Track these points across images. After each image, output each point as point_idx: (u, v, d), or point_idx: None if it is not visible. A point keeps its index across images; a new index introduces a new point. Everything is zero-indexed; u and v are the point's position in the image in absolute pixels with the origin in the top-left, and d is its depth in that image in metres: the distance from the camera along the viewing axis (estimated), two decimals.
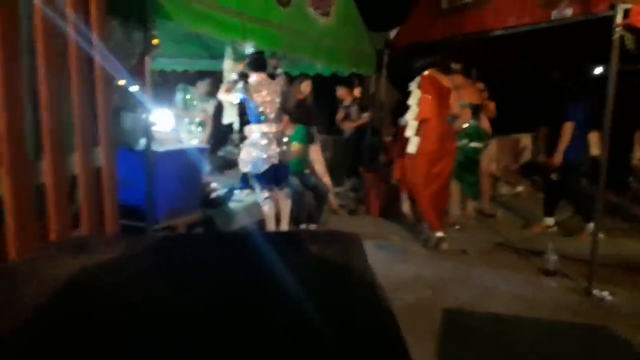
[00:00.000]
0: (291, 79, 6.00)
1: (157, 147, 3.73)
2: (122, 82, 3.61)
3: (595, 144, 8.43)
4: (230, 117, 5.34)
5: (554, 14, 3.85)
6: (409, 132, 4.50)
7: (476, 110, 5.20)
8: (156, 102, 5.14)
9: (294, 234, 1.28)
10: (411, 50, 5.15)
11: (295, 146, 5.05)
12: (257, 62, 4.30)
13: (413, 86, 4.47)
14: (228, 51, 4.86)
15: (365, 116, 6.37)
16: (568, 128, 4.81)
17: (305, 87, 5.51)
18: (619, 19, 3.28)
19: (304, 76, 5.62)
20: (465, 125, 5.02)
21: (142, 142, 3.50)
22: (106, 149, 2.16)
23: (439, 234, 4.55)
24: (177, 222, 3.90)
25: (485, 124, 5.60)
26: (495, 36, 4.64)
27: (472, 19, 4.82)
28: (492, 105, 5.71)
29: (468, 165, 5.19)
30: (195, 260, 1.07)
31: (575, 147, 4.88)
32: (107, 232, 2.23)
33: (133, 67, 3.45)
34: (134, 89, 3.59)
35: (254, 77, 4.31)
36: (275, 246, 1.08)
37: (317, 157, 5.62)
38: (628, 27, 3.28)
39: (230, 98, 4.53)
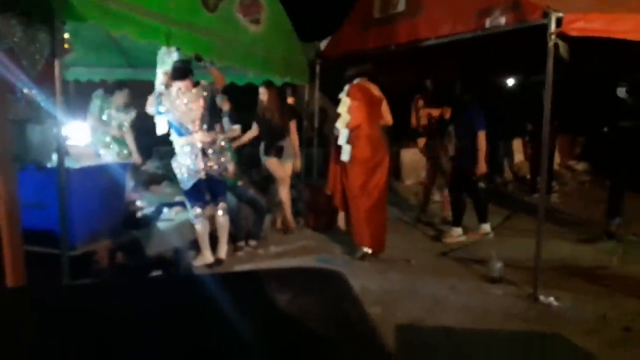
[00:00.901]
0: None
1: (72, 164, 3.31)
2: (27, 91, 3.17)
3: (519, 151, 8.89)
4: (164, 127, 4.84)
5: (488, 23, 3.87)
6: (341, 140, 4.41)
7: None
8: (70, 114, 4.64)
9: (267, 273, 1.05)
10: (343, 60, 5.06)
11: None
12: (178, 71, 3.99)
13: (342, 94, 4.42)
14: (160, 61, 4.42)
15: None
16: (483, 137, 4.97)
17: (263, 95, 5.13)
18: (552, 27, 3.33)
19: (264, 84, 5.21)
20: None
21: (54, 158, 3.07)
22: (2, 168, 1.78)
23: (366, 249, 4.43)
24: (98, 247, 3.50)
25: None
26: (429, 46, 4.62)
27: (405, 28, 4.79)
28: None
29: None
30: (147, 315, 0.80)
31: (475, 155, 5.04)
32: (7, 269, 1.83)
33: (40, 74, 3.02)
34: (41, 98, 3.15)
35: (170, 88, 3.99)
36: (242, 290, 0.84)
37: (284, 177, 5.22)
38: (561, 36, 3.34)
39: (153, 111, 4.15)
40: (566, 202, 7.12)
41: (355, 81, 4.42)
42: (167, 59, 4.06)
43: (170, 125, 4.06)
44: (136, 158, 5.49)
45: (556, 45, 3.31)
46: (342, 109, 4.37)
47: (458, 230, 5.14)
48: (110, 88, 5.59)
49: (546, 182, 7.12)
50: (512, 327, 3.12)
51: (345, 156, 4.38)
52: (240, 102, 5.87)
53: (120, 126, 5.49)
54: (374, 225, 4.42)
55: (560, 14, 3.31)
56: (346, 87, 4.42)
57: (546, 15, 3.36)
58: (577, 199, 7.33)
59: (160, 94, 4.02)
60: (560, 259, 4.34)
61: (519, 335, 3.06)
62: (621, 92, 4.93)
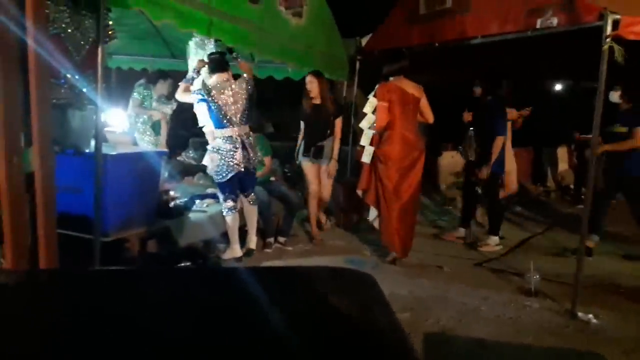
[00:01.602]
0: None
1: (109, 150, 3.36)
2: (69, 76, 3.21)
3: (563, 160, 8.55)
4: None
5: (539, 23, 3.70)
6: (363, 141, 4.27)
7: None
8: (111, 101, 4.71)
9: (296, 270, 1.02)
10: (384, 57, 4.91)
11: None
12: (217, 63, 3.99)
13: (370, 95, 4.27)
14: (192, 52, 4.41)
15: None
16: (499, 142, 4.76)
17: (310, 84, 4.70)
18: (608, 29, 3.14)
19: (312, 73, 4.81)
20: None
21: (92, 143, 3.11)
22: (41, 151, 1.79)
23: (396, 254, 4.32)
24: (130, 234, 3.53)
25: None
26: (475, 44, 4.47)
27: (451, 25, 4.64)
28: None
29: None
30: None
31: (500, 160, 4.89)
32: (41, 252, 1.85)
33: (83, 60, 3.06)
34: (83, 84, 3.19)
35: (214, 79, 3.99)
36: (270, 286, 0.80)
37: (323, 180, 4.93)
38: (617, 39, 3.14)
39: (188, 99, 4.15)
40: (611, 215, 6.75)
41: (391, 79, 4.24)
42: (200, 50, 4.06)
43: (210, 115, 4.04)
44: (162, 146, 5.50)
45: (611, 49, 3.12)
46: (368, 108, 4.22)
47: (495, 239, 4.95)
48: (152, 78, 5.66)
49: (592, 193, 6.80)
50: (547, 343, 2.97)
51: (366, 158, 4.24)
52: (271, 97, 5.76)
53: (162, 112, 5.57)
54: (404, 228, 4.27)
55: (618, 16, 3.12)
56: (376, 87, 4.26)
57: (602, 17, 3.17)
58: (623, 212, 6.93)
59: (199, 84, 4.02)
60: (602, 275, 4.11)
61: (553, 351, 2.91)
62: (613, 96, 4.66)
